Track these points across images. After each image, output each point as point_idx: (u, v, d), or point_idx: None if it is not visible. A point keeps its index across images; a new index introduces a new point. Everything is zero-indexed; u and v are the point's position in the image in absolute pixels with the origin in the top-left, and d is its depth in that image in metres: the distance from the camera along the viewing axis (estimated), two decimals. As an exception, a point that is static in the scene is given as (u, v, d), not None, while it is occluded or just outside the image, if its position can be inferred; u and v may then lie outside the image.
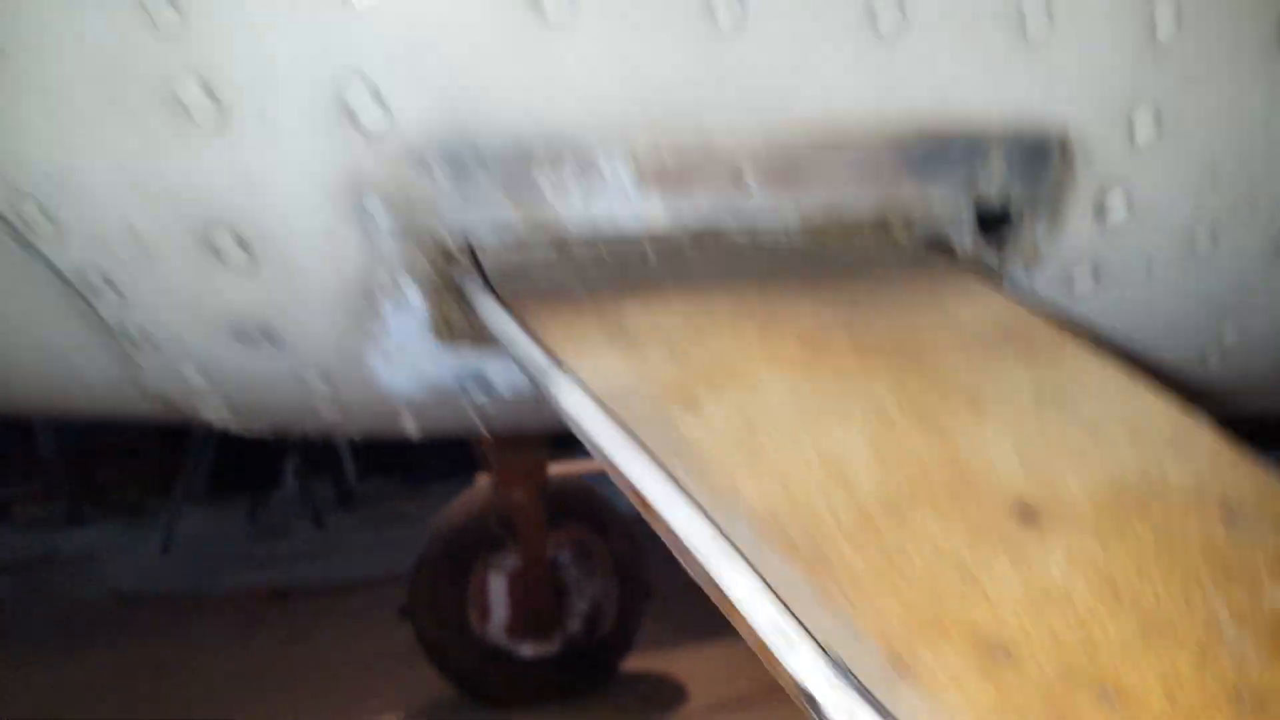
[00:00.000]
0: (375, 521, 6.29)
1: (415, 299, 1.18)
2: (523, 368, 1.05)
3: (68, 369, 1.30)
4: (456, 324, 1.20)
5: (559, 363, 0.99)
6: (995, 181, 1.24)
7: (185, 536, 5.80)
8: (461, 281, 1.15)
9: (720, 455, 0.89)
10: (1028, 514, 0.86)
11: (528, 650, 3.51)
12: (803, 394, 0.98)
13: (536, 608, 3.49)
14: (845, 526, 0.83)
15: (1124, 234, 1.34)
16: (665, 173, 1.15)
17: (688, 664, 3.73)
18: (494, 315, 1.10)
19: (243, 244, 1.10)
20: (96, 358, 1.26)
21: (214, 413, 1.43)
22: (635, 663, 3.69)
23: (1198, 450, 0.94)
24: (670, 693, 3.58)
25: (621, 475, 0.89)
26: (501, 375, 1.32)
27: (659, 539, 0.84)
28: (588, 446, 0.96)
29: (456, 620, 3.46)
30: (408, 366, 1.27)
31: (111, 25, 0.98)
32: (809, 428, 0.93)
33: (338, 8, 1.00)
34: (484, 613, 3.49)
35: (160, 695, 3.77)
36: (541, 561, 3.48)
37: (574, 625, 3.56)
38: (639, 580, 3.63)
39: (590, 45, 1.07)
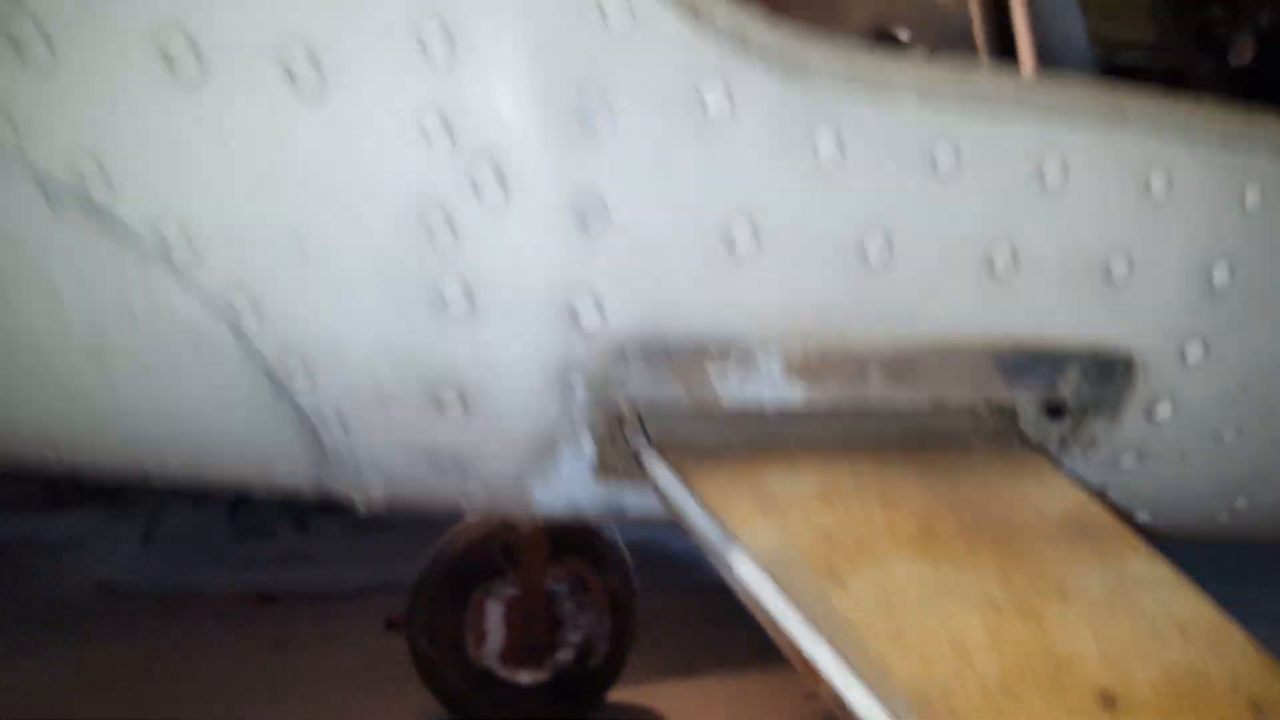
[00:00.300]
0: (357, 526, 6.35)
1: (588, 448, 1.41)
2: (692, 531, 1.29)
3: (265, 469, 1.50)
4: (617, 469, 1.43)
5: (733, 538, 1.22)
6: (1070, 386, 1.51)
7: (167, 530, 5.85)
8: (631, 439, 1.38)
9: (871, 633, 1.13)
10: (1109, 700, 1.12)
11: (519, 676, 3.69)
12: (924, 576, 1.23)
13: (531, 636, 3.67)
14: (976, 705, 1.07)
15: (1166, 429, 1.63)
16: (808, 368, 1.40)
17: (670, 697, 3.95)
18: (665, 479, 1.33)
19: (463, 401, 1.32)
20: (297, 464, 1.46)
21: (367, 503, 1.63)
22: (620, 694, 3.88)
23: (1232, 649, 1.20)
24: (652, 724, 3.81)
25: (794, 647, 1.13)
26: (634, 501, 1.55)
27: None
28: (752, 609, 1.20)
29: (452, 642, 3.64)
30: (562, 493, 1.50)
31: (400, 235, 1.19)
32: (935, 609, 1.18)
33: (576, 235, 1.24)
34: (480, 637, 3.65)
35: (144, 696, 3.82)
36: (539, 592, 3.67)
37: (566, 655, 3.74)
38: (630, 616, 3.82)
39: (765, 272, 1.34)
